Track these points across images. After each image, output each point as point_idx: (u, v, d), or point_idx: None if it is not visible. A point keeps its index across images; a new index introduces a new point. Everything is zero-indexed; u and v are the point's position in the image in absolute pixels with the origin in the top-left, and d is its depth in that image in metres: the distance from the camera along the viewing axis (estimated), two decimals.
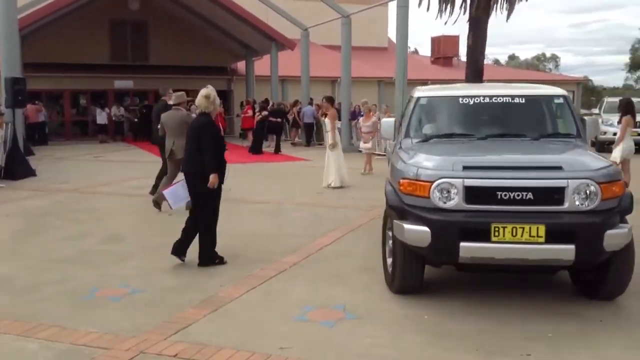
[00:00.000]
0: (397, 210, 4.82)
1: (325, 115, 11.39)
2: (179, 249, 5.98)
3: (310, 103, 22.24)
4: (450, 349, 3.94)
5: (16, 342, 4.09)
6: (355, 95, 22.52)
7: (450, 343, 4.04)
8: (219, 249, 6.06)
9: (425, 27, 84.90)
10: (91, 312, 4.69)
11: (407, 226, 4.56)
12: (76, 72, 25.58)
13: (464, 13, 20.83)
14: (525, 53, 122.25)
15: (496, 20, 20.48)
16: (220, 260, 5.97)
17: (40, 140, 22.17)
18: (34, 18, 20.80)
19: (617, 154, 9.80)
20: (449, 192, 4.47)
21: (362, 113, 19.62)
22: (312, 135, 22.23)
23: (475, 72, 20.64)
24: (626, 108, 9.99)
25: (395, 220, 4.77)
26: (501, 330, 4.24)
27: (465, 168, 4.54)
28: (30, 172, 12.88)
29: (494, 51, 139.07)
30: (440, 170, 4.56)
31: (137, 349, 3.92)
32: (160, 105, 10.12)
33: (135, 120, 25.08)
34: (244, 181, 11.63)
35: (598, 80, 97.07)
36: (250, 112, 20.98)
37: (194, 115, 7.99)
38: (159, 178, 9.56)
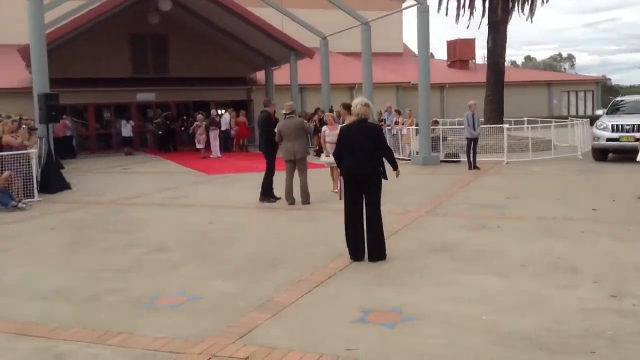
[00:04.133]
0: None
1: (344, 121, 11.34)
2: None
3: (331, 110, 22.34)
4: (514, 348, 4.01)
5: (89, 349, 4.24)
6: (377, 100, 22.62)
7: (513, 342, 4.11)
8: (260, 252, 6.16)
9: (440, 32, 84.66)
10: (154, 319, 4.82)
11: None
12: (99, 87, 26.04)
13: (483, 17, 21.03)
14: (540, 54, 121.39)
15: (510, 23, 20.48)
16: None
17: (68, 154, 22.52)
18: (58, 34, 21.18)
19: None
20: None
21: (392, 117, 19.75)
22: None
23: (496, 74, 20.78)
24: None
25: None
26: (557, 329, 4.30)
27: None
28: (65, 186, 13.16)
29: (509, 53, 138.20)
30: None
31: (208, 352, 4.04)
32: (264, 115, 10.99)
33: (160, 132, 25.37)
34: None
35: (615, 79, 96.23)
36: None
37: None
38: (266, 183, 10.70)
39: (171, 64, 27.85)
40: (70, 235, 8.42)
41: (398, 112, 19.63)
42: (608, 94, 61.44)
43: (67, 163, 19.73)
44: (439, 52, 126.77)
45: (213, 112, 23.24)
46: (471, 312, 4.72)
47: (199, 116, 22.20)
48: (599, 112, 18.96)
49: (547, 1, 21.16)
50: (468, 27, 22.35)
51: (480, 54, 69.04)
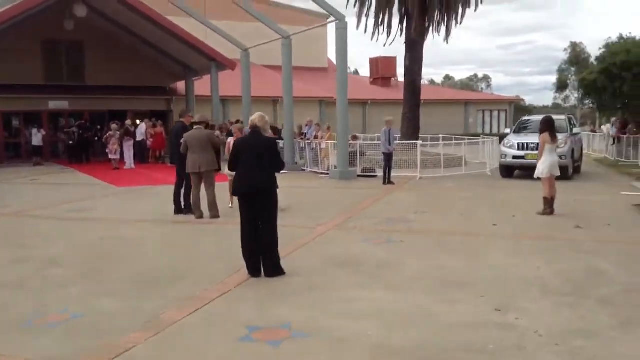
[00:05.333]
0: None
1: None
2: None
3: None
4: None
5: None
6: (297, 115, 22.67)
7: (395, 357, 4.11)
8: (153, 268, 5.95)
9: (366, 49, 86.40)
10: (29, 339, 4.52)
11: None
12: (8, 93, 24.67)
13: (401, 35, 21.60)
14: (459, 74, 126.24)
15: (430, 42, 21.24)
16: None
17: None
18: None
19: (539, 169, 10.31)
20: None
21: (311, 131, 19.77)
22: None
23: (412, 91, 21.34)
24: (544, 125, 10.52)
25: None
26: (438, 344, 4.35)
27: None
28: None
29: (429, 72, 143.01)
30: None
31: None
32: (179, 125, 10.93)
33: (70, 142, 24.29)
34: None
35: (528, 99, 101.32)
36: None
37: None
38: (177, 195, 10.54)
39: (87, 71, 26.85)
40: None
41: (318, 126, 19.73)
42: (521, 114, 64.71)
43: None
44: (365, 69, 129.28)
45: (128, 122, 22.50)
46: (361, 327, 4.71)
47: (113, 126, 21.47)
48: (507, 130, 19.78)
49: (460, 22, 21.91)
50: (385, 45, 22.88)
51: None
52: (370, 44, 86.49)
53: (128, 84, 26.83)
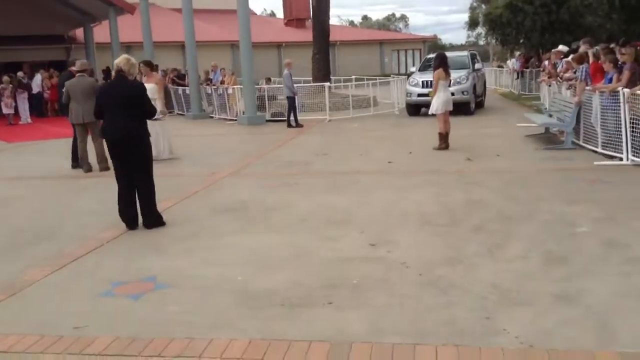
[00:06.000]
0: None
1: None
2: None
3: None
4: (257, 307, 3.95)
5: None
6: (210, 59, 21.89)
7: (258, 301, 4.04)
8: (29, 226, 5.61)
9: None
10: None
11: None
12: None
13: None
14: (379, 14, 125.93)
15: None
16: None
17: None
18: None
19: (434, 106, 10.44)
20: None
21: (217, 76, 19.14)
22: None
23: (322, 33, 20.96)
24: (437, 62, 10.60)
25: None
26: (306, 283, 4.33)
27: None
28: None
29: (348, 12, 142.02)
30: None
31: None
32: (67, 74, 10.50)
33: None
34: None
35: (447, 38, 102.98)
36: None
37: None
38: (75, 146, 9.90)
39: None
40: None
41: (224, 71, 19.15)
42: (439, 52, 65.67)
43: None
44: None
45: (20, 73, 21.02)
46: (231, 273, 4.60)
47: (5, 78, 19.98)
48: (413, 69, 19.94)
49: None
50: None
51: None
52: None
53: (23, 34, 24.98)
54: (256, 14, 50.00)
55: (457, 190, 7.21)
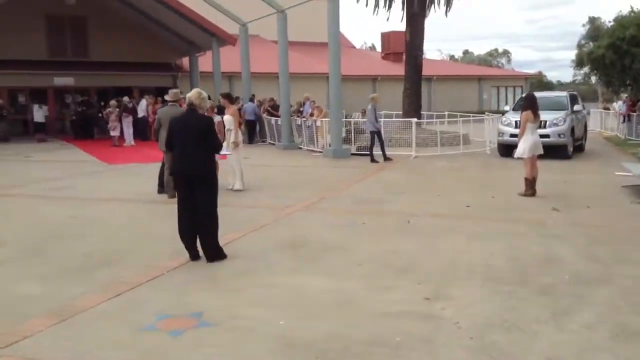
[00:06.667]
0: None
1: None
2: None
3: (252, 100, 22.00)
4: (292, 356, 3.81)
5: None
6: (304, 91, 22.35)
7: (294, 350, 3.91)
8: (100, 250, 5.83)
9: (383, 24, 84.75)
10: None
11: None
12: (12, 69, 24.75)
13: (403, 9, 21.03)
14: (483, 48, 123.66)
15: (452, 16, 20.66)
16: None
17: None
18: None
19: (520, 149, 9.91)
20: None
21: (307, 108, 19.47)
22: (255, 132, 22.03)
23: (413, 67, 20.80)
24: (526, 102, 10.07)
25: None
26: (347, 336, 4.14)
27: None
28: None
29: (451, 46, 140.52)
30: None
31: None
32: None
33: (73, 118, 24.38)
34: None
35: (553, 75, 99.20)
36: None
37: None
38: (161, 173, 10.32)
39: (91, 47, 26.83)
40: None
41: (314, 103, 19.43)
42: (543, 90, 63.34)
43: None
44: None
45: (125, 98, 22.39)
46: (275, 316, 4.51)
47: (112, 102, 21.40)
48: (506, 107, 19.24)
49: None
50: (388, 19, 22.35)
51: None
52: (380, 19, 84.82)
53: (133, 60, 26.72)
54: (355, 47, 50.68)
55: (534, 243, 6.75)
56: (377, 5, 21.06)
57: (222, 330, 4.27)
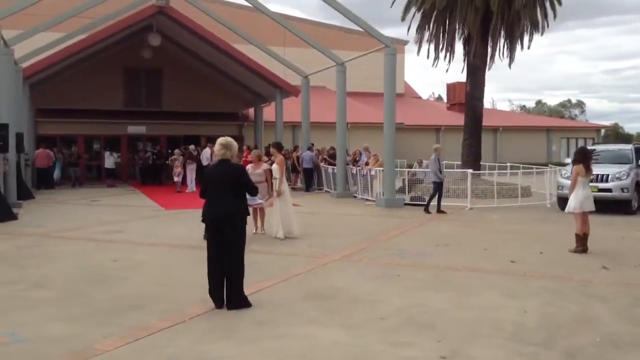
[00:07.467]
0: None
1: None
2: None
3: (310, 149, 22.35)
4: None
5: None
6: (365, 140, 22.53)
7: None
8: (133, 293, 6.00)
9: (452, 74, 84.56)
10: None
11: None
12: (90, 118, 26.41)
13: (464, 60, 21.02)
14: (557, 99, 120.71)
15: (528, 66, 20.45)
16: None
17: (47, 184, 22.76)
18: (42, 65, 21.63)
19: (571, 204, 9.51)
20: None
21: (363, 157, 19.61)
22: (312, 180, 22.28)
23: (473, 118, 20.61)
24: (578, 156, 9.71)
25: None
26: None
27: None
28: (10, 216, 13.15)
29: (525, 97, 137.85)
30: None
31: None
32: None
33: (141, 165, 25.57)
34: None
35: (632, 127, 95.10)
36: (250, 157, 21.19)
37: None
38: None
39: (164, 97, 28.27)
40: None
41: (369, 152, 19.50)
42: (619, 142, 60.77)
43: (44, 193, 20.07)
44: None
45: (191, 146, 23.30)
46: None
47: (176, 150, 22.34)
48: (567, 160, 18.60)
49: (529, 47, 21.08)
50: (447, 70, 22.34)
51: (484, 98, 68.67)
52: (457, 68, 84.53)
53: (202, 110, 27.92)
54: (421, 98, 50.78)
55: (573, 302, 6.42)
56: (437, 57, 21.13)
57: None
